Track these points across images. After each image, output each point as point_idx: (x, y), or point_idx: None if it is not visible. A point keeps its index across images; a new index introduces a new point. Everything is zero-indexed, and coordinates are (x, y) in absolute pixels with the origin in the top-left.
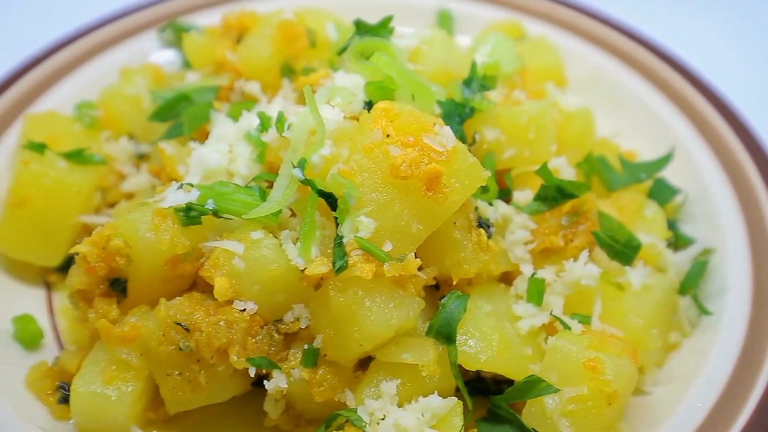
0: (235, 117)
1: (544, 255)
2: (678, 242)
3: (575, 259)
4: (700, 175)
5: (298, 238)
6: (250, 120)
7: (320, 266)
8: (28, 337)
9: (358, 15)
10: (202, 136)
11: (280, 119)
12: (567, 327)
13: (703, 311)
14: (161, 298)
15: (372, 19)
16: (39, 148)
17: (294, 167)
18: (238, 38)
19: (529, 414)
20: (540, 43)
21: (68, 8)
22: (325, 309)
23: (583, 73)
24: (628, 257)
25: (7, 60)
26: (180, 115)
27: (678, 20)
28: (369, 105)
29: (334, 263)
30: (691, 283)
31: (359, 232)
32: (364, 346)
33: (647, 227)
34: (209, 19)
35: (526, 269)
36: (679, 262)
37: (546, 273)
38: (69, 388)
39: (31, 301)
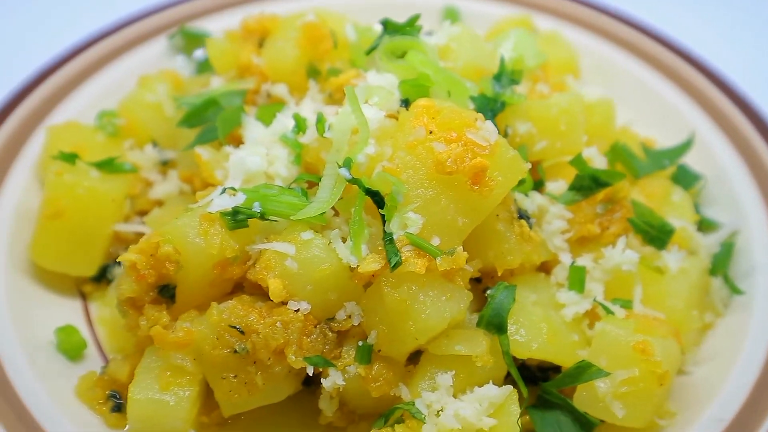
0: (264, 120)
1: (581, 243)
2: (702, 225)
3: (613, 245)
4: (716, 160)
5: (345, 237)
6: (283, 122)
7: (372, 263)
8: (71, 348)
9: (364, 14)
10: (233, 141)
11: (321, 120)
12: (610, 312)
13: (736, 291)
14: (213, 303)
15: (378, 18)
16: (70, 158)
17: (339, 167)
18: (260, 41)
19: (580, 398)
20: (552, 37)
21: (69, 15)
22: (378, 305)
23: (592, 64)
24: (663, 242)
25: (18, 70)
26: (209, 120)
27: (681, 19)
28: (406, 103)
29: (389, 260)
30: (721, 264)
31: (408, 228)
32: (419, 339)
33: (675, 212)
34: (218, 24)
35: (565, 258)
36: (709, 244)
37: (584, 261)
38: (121, 396)
39: (69, 311)
